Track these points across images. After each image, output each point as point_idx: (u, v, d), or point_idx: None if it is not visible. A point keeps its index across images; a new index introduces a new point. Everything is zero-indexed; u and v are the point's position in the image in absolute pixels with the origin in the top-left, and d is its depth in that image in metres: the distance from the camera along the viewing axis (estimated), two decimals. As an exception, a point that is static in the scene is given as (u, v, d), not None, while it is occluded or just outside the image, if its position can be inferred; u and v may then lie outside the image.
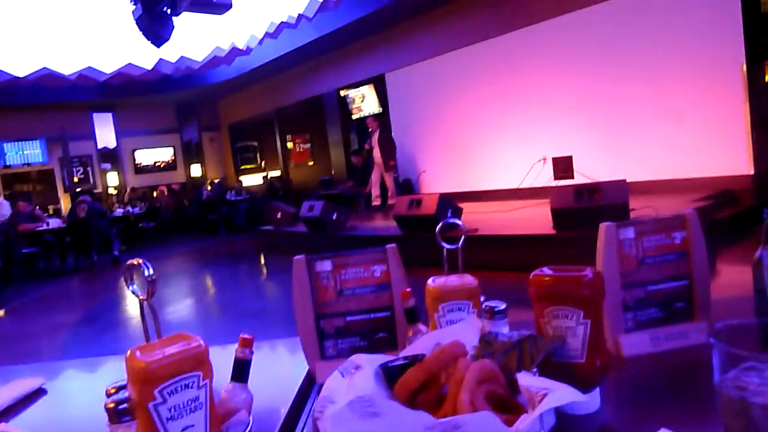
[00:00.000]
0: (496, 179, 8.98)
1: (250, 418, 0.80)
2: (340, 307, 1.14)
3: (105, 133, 14.84)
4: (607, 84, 7.71)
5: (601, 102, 7.81)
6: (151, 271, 0.73)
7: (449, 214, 6.31)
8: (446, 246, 1.05)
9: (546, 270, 0.90)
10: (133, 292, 0.72)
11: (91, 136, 14.63)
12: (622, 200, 5.06)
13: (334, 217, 7.66)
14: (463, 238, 1.05)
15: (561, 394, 0.70)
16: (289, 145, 14.88)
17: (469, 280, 1.02)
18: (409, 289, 1.04)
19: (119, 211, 11.92)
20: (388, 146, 9.46)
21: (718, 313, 1.12)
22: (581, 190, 5.34)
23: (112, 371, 1.24)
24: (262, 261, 8.95)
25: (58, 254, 9.87)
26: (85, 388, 1.28)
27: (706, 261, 1.12)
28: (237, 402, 0.79)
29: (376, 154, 9.56)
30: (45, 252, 9.55)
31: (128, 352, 0.70)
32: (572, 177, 8.02)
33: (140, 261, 0.73)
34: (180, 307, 6.49)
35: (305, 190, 13.09)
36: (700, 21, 6.76)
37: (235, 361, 0.82)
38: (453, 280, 1.02)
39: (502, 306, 1.01)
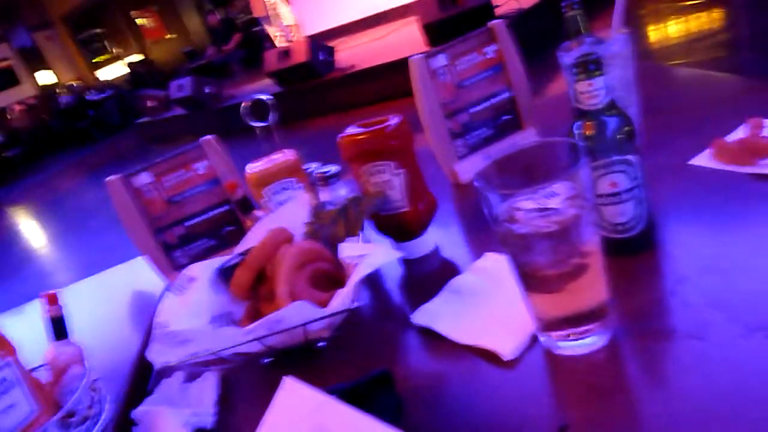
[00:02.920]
0: (362, 5, 8.54)
1: (85, 367, 0.77)
2: (175, 214, 1.08)
3: None
4: None
5: None
6: None
7: (322, 57, 6.05)
8: (257, 124, 0.98)
9: (353, 128, 0.86)
10: None
11: None
12: (484, 0, 4.98)
13: (208, 91, 7.20)
14: (271, 114, 0.98)
15: (373, 259, 0.71)
16: (139, 21, 13.40)
17: (287, 156, 0.98)
18: (234, 180, 0.99)
19: (-26, 147, 10.72)
20: None
21: (547, 117, 1.14)
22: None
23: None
24: (151, 157, 8.48)
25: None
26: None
27: (522, 69, 1.11)
28: (65, 359, 0.75)
29: None
30: None
31: None
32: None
33: None
34: (80, 225, 6.18)
35: (171, 68, 12.07)
36: None
37: (48, 321, 0.77)
38: (270, 161, 0.97)
39: (333, 170, 0.99)
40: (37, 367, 0.76)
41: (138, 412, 0.72)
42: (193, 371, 0.75)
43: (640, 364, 0.58)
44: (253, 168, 0.97)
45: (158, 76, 12.53)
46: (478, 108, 1.09)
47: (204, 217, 1.09)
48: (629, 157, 0.65)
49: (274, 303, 0.77)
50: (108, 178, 1.03)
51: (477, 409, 0.59)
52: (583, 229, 0.55)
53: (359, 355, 0.74)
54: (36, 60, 14.44)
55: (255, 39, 10.10)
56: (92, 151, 10.57)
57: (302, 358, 0.76)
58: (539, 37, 4.90)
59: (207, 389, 0.74)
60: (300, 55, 5.95)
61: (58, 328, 0.76)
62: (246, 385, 0.77)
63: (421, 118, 1.06)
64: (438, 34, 5.26)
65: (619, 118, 0.66)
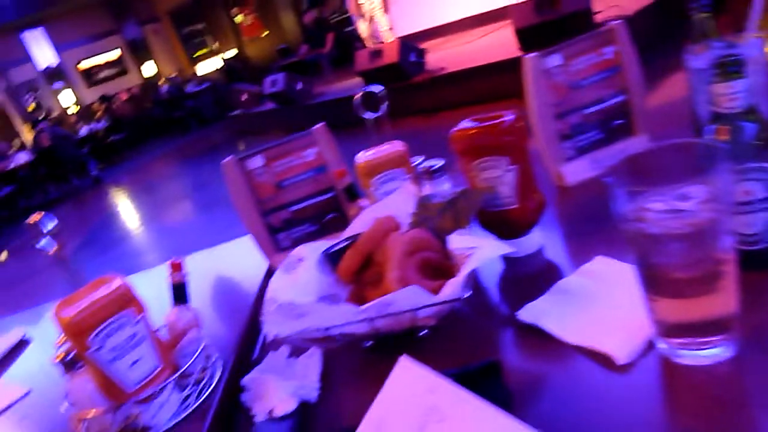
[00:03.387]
0: (455, 8, 8.51)
1: (202, 332, 0.82)
2: (282, 199, 1.12)
3: (42, 51, 13.92)
4: None
5: None
6: (51, 226, 0.70)
7: (413, 58, 6.09)
8: (367, 116, 1.01)
9: (466, 123, 0.86)
10: (41, 248, 0.70)
11: (29, 58, 13.75)
12: (585, 5, 4.83)
13: (299, 88, 7.42)
14: (385, 105, 1.01)
15: (484, 252, 0.71)
16: (238, 19, 13.99)
17: (396, 147, 1.00)
18: (343, 168, 1.02)
19: (84, 130, 11.56)
20: None
21: (658, 124, 1.10)
22: (541, 3, 5.08)
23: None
24: (241, 148, 8.84)
25: (37, 188, 9.74)
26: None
27: (639, 73, 1.07)
28: (184, 323, 0.81)
29: None
30: (23, 188, 9.42)
31: (54, 308, 0.70)
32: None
33: (41, 215, 0.71)
34: (173, 208, 6.55)
35: (265, 64, 12.53)
36: None
37: (172, 286, 0.83)
38: (380, 151, 0.99)
39: (439, 164, 1.00)
40: (157, 328, 0.82)
41: (247, 379, 0.76)
42: (300, 346, 0.78)
43: (766, 381, 0.55)
44: (363, 157, 1.00)
45: (252, 72, 13.04)
46: (590, 110, 1.07)
47: (308, 202, 1.13)
48: (766, 165, 0.62)
49: (381, 288, 0.78)
50: (224, 160, 1.09)
51: (585, 410, 0.58)
52: (718, 235, 0.53)
53: (461, 347, 0.75)
54: (142, 52, 15.43)
55: (347, 39, 10.31)
56: (187, 140, 11.16)
57: (402, 345, 0.77)
58: (641, 45, 4.72)
59: (312, 365, 0.77)
60: (391, 56, 6.02)
61: (180, 293, 0.82)
62: (345, 365, 0.79)
63: (530, 118, 1.05)
64: (532, 39, 5.16)
65: (758, 124, 0.63)
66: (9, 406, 0.99)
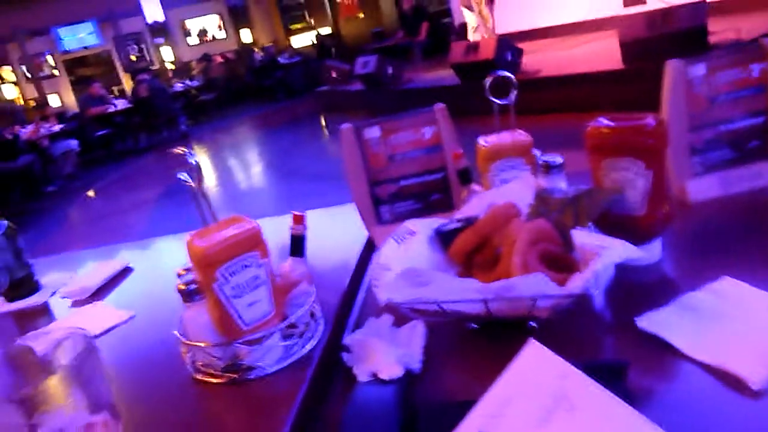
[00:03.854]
0: (559, 12, 8.29)
1: (312, 287, 0.84)
2: (393, 172, 1.13)
3: (151, 7, 14.59)
4: None
5: None
6: (195, 160, 0.74)
7: (509, 58, 5.98)
8: (497, 101, 1.00)
9: (603, 120, 0.84)
10: (183, 181, 0.74)
11: (139, 11, 14.44)
12: (700, 23, 4.59)
13: (390, 72, 7.45)
14: (515, 92, 0.99)
15: (615, 252, 0.69)
16: (337, -2, 14.17)
17: (521, 136, 0.98)
18: (460, 150, 1.01)
19: (179, 86, 12.05)
20: None
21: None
22: (653, 16, 4.86)
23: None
24: (323, 123, 8.99)
25: (130, 134, 10.26)
26: (165, 265, 1.38)
27: (789, 92, 1.01)
28: (297, 275, 0.83)
29: None
30: (117, 133, 9.95)
31: (188, 238, 0.73)
32: (644, 2, 7.28)
33: (184, 150, 0.74)
34: (249, 174, 6.74)
35: (357, 45, 12.64)
36: None
37: (291, 238, 0.85)
38: (504, 138, 0.98)
39: (559, 161, 0.98)
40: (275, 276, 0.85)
41: (351, 340, 0.77)
42: (407, 315, 0.78)
43: None
44: (487, 141, 0.99)
45: (344, 50, 13.19)
46: (726, 127, 1.02)
47: (418, 180, 1.13)
48: None
49: (494, 272, 0.78)
50: (343, 126, 1.11)
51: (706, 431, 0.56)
52: None
53: (568, 346, 0.73)
54: (242, 19, 15.89)
55: (441, 29, 10.26)
56: (273, 109, 11.44)
57: (508, 334, 0.76)
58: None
59: (416, 336, 0.77)
60: (487, 52, 5.94)
61: (298, 246, 0.84)
62: (448, 342, 0.79)
63: (661, 126, 1.01)
64: (636, 52, 4.96)
65: None
66: (113, 328, 1.05)
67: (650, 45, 4.76)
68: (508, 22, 8.35)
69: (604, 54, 5.70)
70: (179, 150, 0.72)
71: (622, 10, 7.42)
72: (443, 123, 1.10)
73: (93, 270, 1.33)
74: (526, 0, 8.55)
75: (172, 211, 5.46)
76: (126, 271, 1.34)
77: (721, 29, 4.79)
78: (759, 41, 0.99)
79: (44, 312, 1.23)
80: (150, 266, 1.41)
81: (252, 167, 7.26)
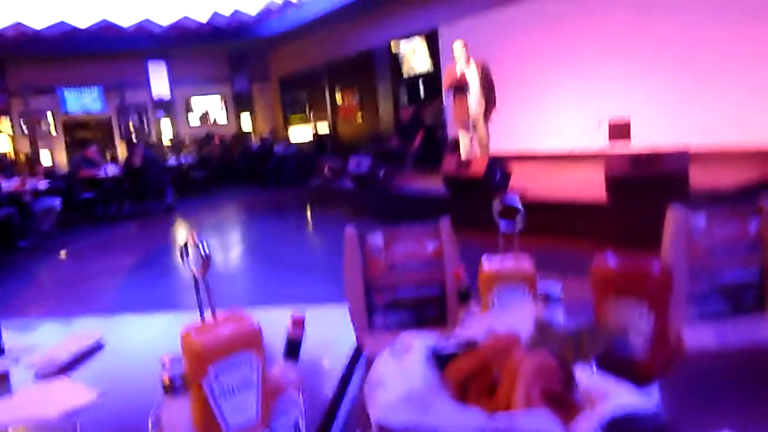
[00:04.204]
0: (549, 140, 8.73)
1: (300, 396, 0.80)
2: (391, 281, 1.12)
3: (159, 82, 15.09)
4: (670, 42, 7.28)
5: (665, 60, 7.39)
6: (207, 250, 0.72)
7: (498, 177, 6.19)
8: (503, 226, 1.01)
9: (609, 257, 0.85)
10: (188, 269, 0.72)
11: (147, 84, 14.91)
12: (683, 171, 4.83)
13: (382, 175, 7.65)
14: (521, 218, 1.01)
15: (622, 400, 0.67)
16: (338, 98, 14.80)
17: (525, 263, 0.99)
18: (462, 269, 1.01)
19: (173, 160, 12.21)
20: (491, 86, 6.90)
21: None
22: (639, 158, 5.12)
23: (168, 329, 1.27)
24: (309, 215, 9.07)
25: (115, 200, 10.24)
26: (141, 344, 1.32)
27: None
28: (287, 381, 0.79)
29: (472, 94, 6.84)
30: (103, 198, 9.92)
31: (184, 330, 0.70)
32: (628, 139, 7.71)
33: (196, 238, 0.73)
34: (228, 255, 6.67)
35: (353, 144, 13.07)
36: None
37: (287, 340, 0.82)
38: (509, 263, 0.99)
39: (557, 292, 0.98)
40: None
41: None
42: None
43: None
44: (490, 264, 0.99)
45: (339, 148, 13.60)
46: (725, 279, 1.04)
47: (415, 292, 1.12)
48: None
49: (491, 401, 0.75)
50: (348, 228, 1.11)
51: None
52: None
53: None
54: (245, 105, 16.45)
55: (435, 141, 10.68)
56: (262, 195, 11.57)
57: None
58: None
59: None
60: (478, 169, 6.15)
61: (293, 350, 0.81)
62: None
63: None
64: (621, 189, 5.17)
65: None
66: (76, 410, 0.99)
67: (635, 184, 4.98)
68: (499, 141, 8.74)
69: (589, 185, 5.93)
70: (191, 238, 0.71)
71: (608, 146, 7.85)
72: (446, 238, 1.11)
73: (63, 341, 1.27)
74: (518, 123, 9.02)
75: (144, 282, 5.34)
76: (98, 347, 1.27)
77: (701, 178, 5.04)
78: (757, 202, 1.03)
79: (2, 380, 1.15)
80: (123, 344, 1.34)
81: (232, 249, 7.20)
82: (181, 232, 6.90)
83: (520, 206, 1.00)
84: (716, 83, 6.91)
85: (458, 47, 6.79)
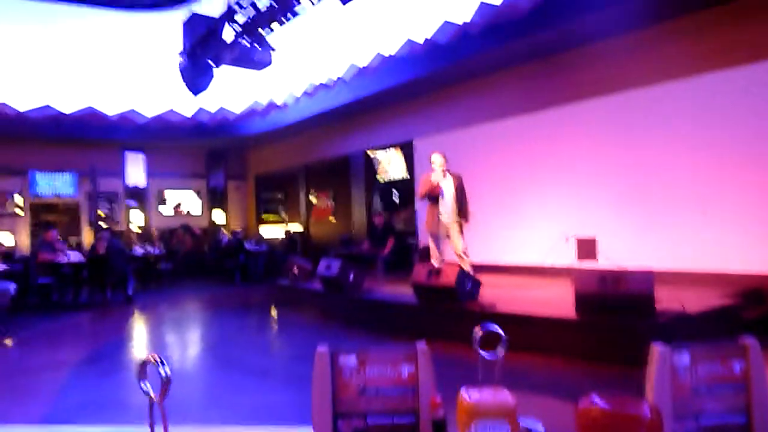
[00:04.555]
0: (518, 253, 8.87)
1: None
2: (362, 406, 1.05)
3: (135, 173, 15.11)
4: (636, 168, 7.69)
5: (630, 186, 7.76)
6: (168, 372, 0.66)
7: (468, 287, 6.18)
8: (485, 356, 0.97)
9: (596, 400, 0.81)
10: (144, 392, 0.65)
11: (121, 173, 14.91)
12: (648, 291, 4.91)
13: (351, 278, 7.57)
14: (503, 348, 0.97)
15: None
16: (313, 199, 14.99)
17: (506, 397, 0.93)
18: (438, 398, 0.95)
19: (139, 251, 11.97)
20: (465, 200, 7.05)
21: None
22: (605, 276, 5.20)
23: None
24: (274, 316, 8.83)
25: (72, 288, 9.87)
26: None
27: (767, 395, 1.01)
28: None
29: (446, 204, 6.97)
30: (60, 284, 9.56)
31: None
32: (595, 259, 7.89)
33: (157, 358, 0.67)
34: (185, 355, 6.37)
35: (324, 246, 13.08)
36: (736, 114, 6.77)
37: None
38: (489, 397, 0.93)
39: (540, 429, 0.92)
40: None
41: None
42: None
43: None
44: (470, 396, 0.94)
45: (311, 249, 13.58)
46: (709, 421, 0.99)
47: (387, 420, 1.04)
48: None
49: None
50: (319, 348, 1.05)
51: None
52: None
53: None
54: (219, 200, 16.50)
55: (406, 247, 10.75)
56: (227, 292, 11.30)
57: None
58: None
59: None
60: (448, 279, 6.14)
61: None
62: None
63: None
64: (589, 305, 5.20)
65: None
66: None
67: (602, 302, 5.02)
68: (471, 252, 8.83)
69: (558, 300, 5.95)
70: (152, 357, 0.65)
71: (576, 262, 7.99)
72: (423, 364, 1.05)
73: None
74: (488, 236, 9.18)
75: (90, 381, 5.00)
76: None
77: (665, 299, 5.11)
78: (740, 341, 1.02)
79: None
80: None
81: (189, 347, 6.89)
82: (143, 350, 6.56)
83: (502, 334, 0.96)
84: (676, 209, 7.24)
85: (438, 159, 6.96)
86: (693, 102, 7.09)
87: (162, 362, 0.65)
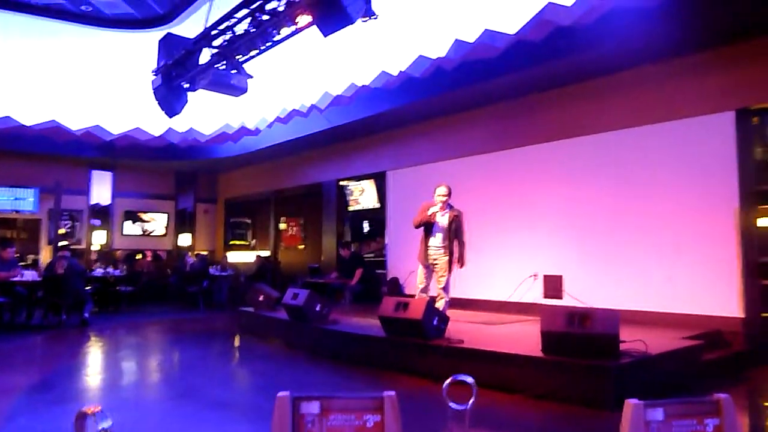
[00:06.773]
0: (486, 289, 8.88)
1: None
2: (322, 458, 0.99)
3: (101, 191, 14.77)
4: (601, 210, 7.84)
5: (596, 227, 7.90)
6: (107, 426, 0.60)
7: (435, 322, 6.13)
8: (454, 406, 0.92)
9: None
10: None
11: (86, 191, 14.56)
12: (613, 331, 4.93)
13: (317, 309, 7.45)
14: (473, 399, 0.93)
15: None
16: (282, 226, 14.85)
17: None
18: (405, 453, 0.90)
19: (99, 271, 11.61)
20: (462, 240, 6.79)
21: None
22: (572, 315, 5.21)
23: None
24: (237, 344, 8.61)
25: (26, 308, 9.49)
26: None
27: (740, 456, 0.99)
28: None
29: (436, 238, 6.74)
30: (13, 304, 9.18)
31: None
32: (561, 297, 7.96)
33: (96, 410, 0.61)
34: (141, 386, 6.13)
35: (292, 274, 12.92)
36: (696, 161, 6.98)
37: None
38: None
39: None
40: None
41: None
42: None
43: None
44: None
45: (278, 277, 13.38)
46: (682, 483, 0.96)
47: (349, 473, 0.99)
48: None
49: None
50: (280, 394, 0.99)
51: None
52: None
53: None
54: (186, 223, 16.20)
55: (374, 279, 10.68)
56: (190, 317, 11.02)
57: None
58: (661, 386, 4.66)
59: None
60: (416, 313, 6.07)
61: None
62: None
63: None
64: (556, 343, 5.19)
65: None
66: None
67: (568, 340, 5.01)
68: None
69: (525, 337, 5.94)
70: (91, 409, 0.59)
71: (542, 299, 8.04)
72: (390, 413, 1.00)
73: None
74: (459, 272, 9.17)
75: (33, 412, 4.72)
76: None
77: (630, 339, 5.14)
78: (715, 397, 1.00)
79: None
80: None
81: (145, 377, 6.63)
82: (96, 377, 6.28)
83: (473, 385, 0.92)
84: (638, 251, 7.39)
85: (440, 190, 6.71)
86: (659, 145, 7.29)
87: (101, 416, 0.59)
